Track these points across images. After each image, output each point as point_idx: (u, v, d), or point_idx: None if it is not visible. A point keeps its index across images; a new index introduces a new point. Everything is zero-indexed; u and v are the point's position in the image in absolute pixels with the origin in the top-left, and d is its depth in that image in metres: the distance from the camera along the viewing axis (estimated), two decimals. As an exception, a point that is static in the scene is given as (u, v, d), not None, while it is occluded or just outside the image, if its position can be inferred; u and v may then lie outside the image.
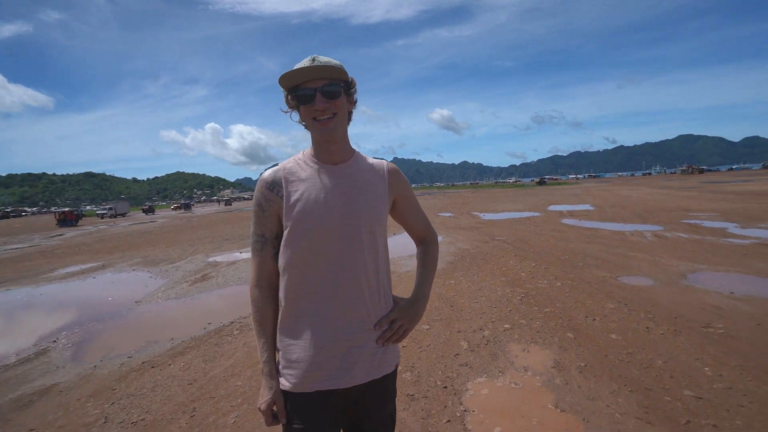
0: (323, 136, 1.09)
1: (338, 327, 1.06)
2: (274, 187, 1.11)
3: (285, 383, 1.08)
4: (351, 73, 1.11)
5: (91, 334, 4.60)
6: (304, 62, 1.06)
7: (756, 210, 11.64)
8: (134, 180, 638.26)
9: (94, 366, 3.65)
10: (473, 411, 2.48)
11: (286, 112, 1.14)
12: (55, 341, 4.44)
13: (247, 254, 9.71)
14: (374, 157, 1.26)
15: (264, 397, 1.08)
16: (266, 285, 1.13)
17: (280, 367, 1.11)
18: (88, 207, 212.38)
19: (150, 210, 58.21)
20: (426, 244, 1.34)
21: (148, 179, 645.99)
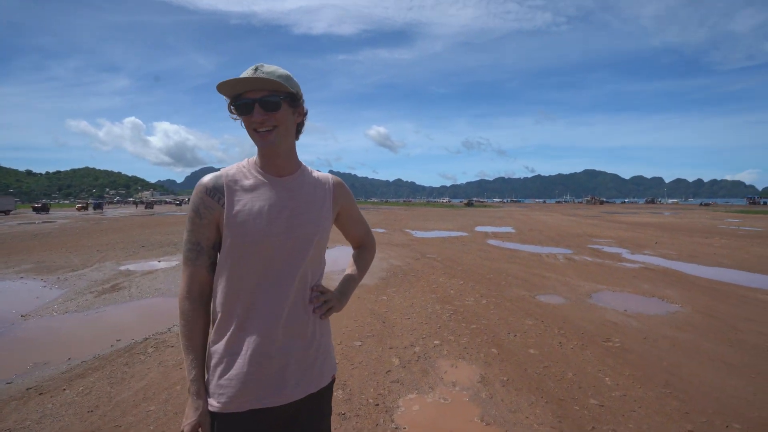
0: (263, 148, 1.06)
1: (275, 342, 1.03)
2: (215, 193, 1.06)
3: (214, 403, 1.01)
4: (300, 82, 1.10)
5: (-41, 355, 3.83)
6: (247, 72, 1.03)
7: (642, 238, 13.58)
8: (29, 173, 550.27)
9: (-39, 394, 3.03)
10: (404, 428, 2.51)
11: (235, 119, 1.08)
12: None
13: (167, 263, 8.89)
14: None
15: (189, 419, 1.00)
16: (198, 297, 1.06)
17: (209, 386, 1.03)
18: None
19: (43, 208, 48.66)
20: (363, 247, 1.38)
21: (48, 173, 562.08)
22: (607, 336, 4.10)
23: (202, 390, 1.02)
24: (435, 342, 3.97)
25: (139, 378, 3.24)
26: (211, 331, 1.07)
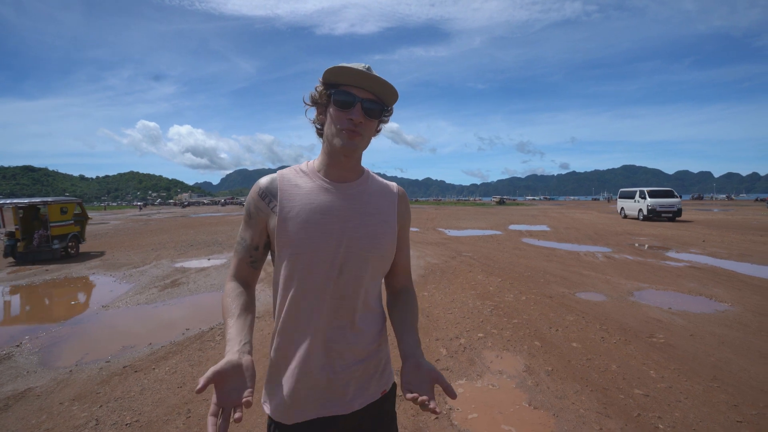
0: (344, 149, 0.96)
1: (317, 360, 0.97)
2: (267, 195, 1.00)
3: (267, 409, 1.01)
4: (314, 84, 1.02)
5: (58, 338, 4.42)
6: (359, 66, 0.95)
7: (687, 236, 13.02)
8: (81, 177, 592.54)
9: (70, 370, 3.55)
10: (458, 409, 2.74)
11: (307, 105, 1.03)
12: (18, 345, 4.22)
13: (216, 261, 9.52)
14: (383, 177, 1.15)
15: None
16: (241, 281, 1.05)
17: (266, 395, 1.03)
18: None
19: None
20: (407, 291, 1.16)
21: (98, 177, 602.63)
22: (651, 332, 4.14)
23: (235, 348, 0.87)
24: (479, 335, 4.17)
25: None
26: (272, 343, 1.04)
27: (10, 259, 10.42)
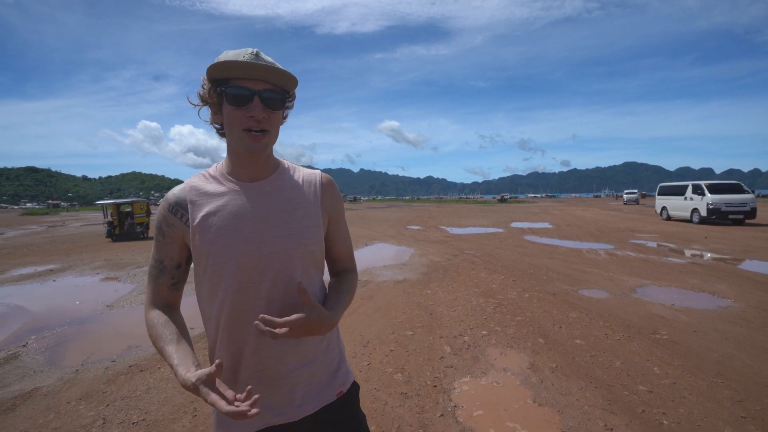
0: (252, 152, 0.90)
1: (268, 365, 0.93)
2: (178, 210, 0.93)
3: (219, 427, 0.97)
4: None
5: (64, 338, 4.45)
6: (245, 55, 0.85)
7: (689, 233, 13.00)
8: (84, 178, 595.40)
9: (77, 370, 3.57)
10: (463, 406, 2.75)
11: (196, 105, 0.93)
12: (24, 345, 4.25)
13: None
14: (306, 166, 1.08)
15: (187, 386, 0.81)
16: (165, 307, 0.98)
17: (213, 413, 1.00)
18: (28, 204, 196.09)
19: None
20: (347, 271, 1.12)
21: (101, 178, 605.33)
22: (654, 329, 4.14)
23: (190, 369, 0.84)
24: (483, 332, 4.18)
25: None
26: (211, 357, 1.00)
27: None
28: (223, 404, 0.76)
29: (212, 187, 0.94)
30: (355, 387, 1.10)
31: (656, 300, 5.26)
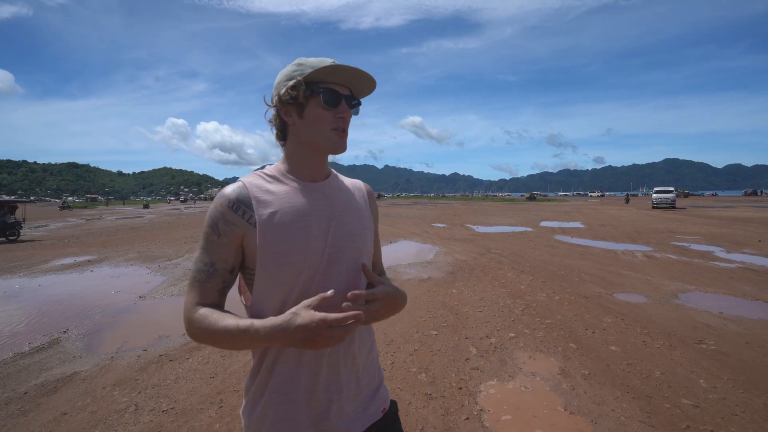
0: (336, 149, 0.93)
1: (319, 376, 0.90)
2: (239, 207, 0.88)
3: None
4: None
5: (101, 326, 4.65)
6: (329, 61, 0.91)
7: (740, 235, 12.14)
8: (119, 173, 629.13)
9: (111, 357, 3.71)
10: (489, 410, 2.65)
11: (279, 107, 0.93)
12: (65, 331, 4.47)
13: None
14: (329, 163, 1.08)
15: (303, 320, 0.78)
16: (211, 306, 0.90)
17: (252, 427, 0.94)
18: (69, 198, 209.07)
19: (65, 206, 51.19)
20: (382, 274, 1.13)
21: (134, 173, 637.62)
22: (699, 338, 3.86)
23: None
24: (510, 334, 4.03)
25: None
26: (253, 367, 0.95)
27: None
28: (336, 314, 0.78)
29: (274, 185, 0.93)
30: (394, 405, 1.07)
31: (701, 307, 4.92)
